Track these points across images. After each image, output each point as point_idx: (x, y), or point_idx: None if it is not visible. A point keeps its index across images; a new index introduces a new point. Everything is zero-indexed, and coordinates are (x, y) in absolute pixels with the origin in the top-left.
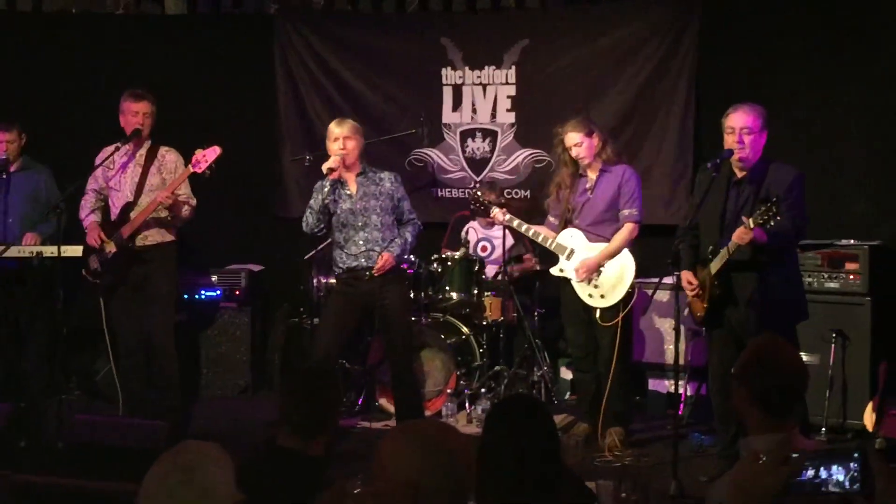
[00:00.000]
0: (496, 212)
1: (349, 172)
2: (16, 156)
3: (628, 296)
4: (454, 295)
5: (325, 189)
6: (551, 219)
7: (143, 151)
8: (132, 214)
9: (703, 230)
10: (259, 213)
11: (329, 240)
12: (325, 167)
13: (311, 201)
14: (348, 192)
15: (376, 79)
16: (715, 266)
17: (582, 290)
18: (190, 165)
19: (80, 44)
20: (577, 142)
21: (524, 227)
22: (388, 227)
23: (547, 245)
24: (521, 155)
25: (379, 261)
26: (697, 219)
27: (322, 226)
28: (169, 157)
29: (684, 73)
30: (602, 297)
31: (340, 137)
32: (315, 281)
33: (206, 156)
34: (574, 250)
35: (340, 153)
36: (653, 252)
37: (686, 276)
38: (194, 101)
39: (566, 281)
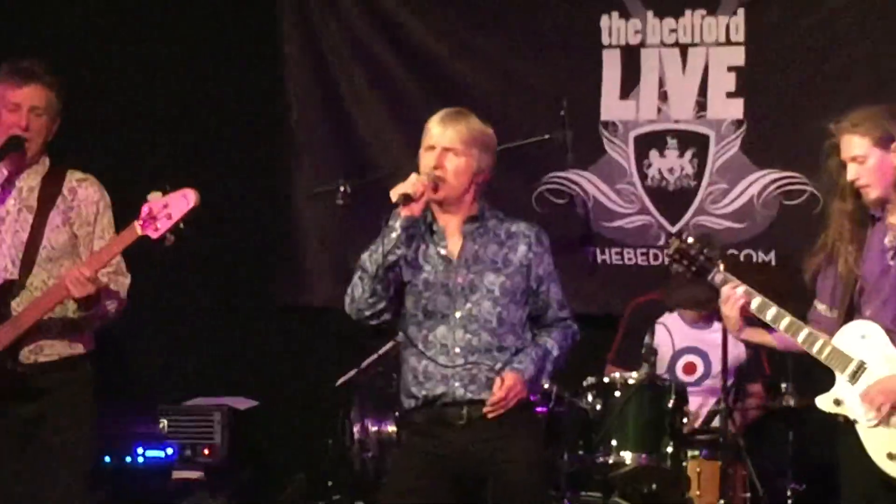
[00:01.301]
0: (722, 280)
1: (451, 214)
2: None
3: None
4: (628, 456)
5: (395, 234)
6: (819, 307)
7: (32, 179)
8: (14, 306)
9: None
10: (250, 300)
11: (390, 345)
12: (393, 192)
13: (364, 255)
14: (443, 251)
15: (474, 38)
16: None
17: (877, 445)
18: (137, 224)
19: None
20: (857, 153)
21: (773, 311)
22: (511, 327)
23: (813, 351)
24: (757, 182)
25: (497, 387)
26: None
27: (384, 305)
28: (85, 192)
29: None
30: None
31: (439, 148)
32: (359, 429)
33: (171, 206)
34: (866, 364)
35: (433, 173)
36: None
37: None
38: (139, 91)
39: (848, 425)
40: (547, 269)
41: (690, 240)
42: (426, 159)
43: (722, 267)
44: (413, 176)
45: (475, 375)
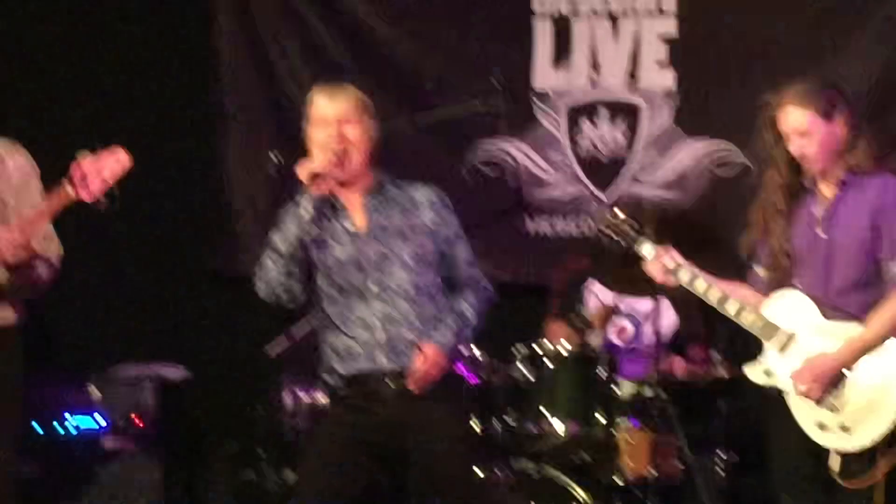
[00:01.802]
0: (653, 254)
1: (349, 189)
2: None
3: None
4: (560, 426)
5: (304, 215)
6: (757, 270)
7: None
8: None
9: None
10: (182, 268)
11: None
12: (301, 172)
13: (274, 236)
14: (349, 227)
15: (406, 9)
16: None
17: (806, 415)
18: (67, 185)
19: None
20: (802, 126)
21: (703, 285)
22: (429, 292)
23: (744, 323)
24: (690, 152)
25: (417, 361)
26: None
27: (297, 287)
28: (13, 161)
29: None
30: (846, 430)
31: (334, 121)
32: (289, 399)
33: (102, 168)
34: (795, 336)
35: (339, 150)
36: None
37: None
38: (66, 57)
39: (777, 397)
40: (454, 231)
41: (620, 214)
42: (321, 134)
43: (647, 239)
44: (317, 153)
45: (397, 346)
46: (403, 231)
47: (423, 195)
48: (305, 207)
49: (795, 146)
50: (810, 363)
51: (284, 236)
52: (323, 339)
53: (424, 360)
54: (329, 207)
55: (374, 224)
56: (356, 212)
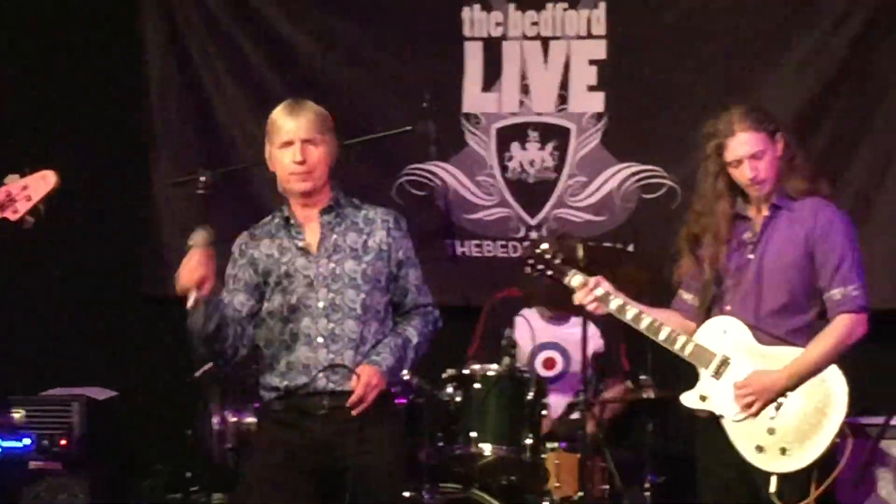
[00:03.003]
0: (579, 283)
1: (308, 205)
2: None
3: (831, 453)
4: (488, 448)
5: (200, 318)
6: (685, 296)
7: None
8: None
9: None
10: (112, 290)
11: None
12: (180, 290)
13: (189, 322)
14: (301, 244)
15: (337, 31)
16: None
17: (744, 438)
18: None
19: None
20: (756, 149)
21: (633, 312)
22: (375, 314)
23: (675, 349)
24: (617, 176)
25: (358, 381)
26: None
27: (232, 350)
28: None
29: None
30: (783, 452)
31: (297, 140)
32: (218, 420)
33: (30, 188)
34: (729, 359)
35: (299, 170)
36: (875, 364)
37: None
38: None
39: (712, 420)
40: (406, 254)
41: (544, 246)
42: (285, 156)
43: (576, 270)
44: (185, 263)
45: (338, 369)
46: (356, 250)
47: (378, 216)
48: (195, 314)
49: (747, 170)
50: (754, 377)
51: (193, 325)
52: (265, 355)
53: (361, 382)
54: (284, 225)
55: (327, 242)
56: (311, 229)
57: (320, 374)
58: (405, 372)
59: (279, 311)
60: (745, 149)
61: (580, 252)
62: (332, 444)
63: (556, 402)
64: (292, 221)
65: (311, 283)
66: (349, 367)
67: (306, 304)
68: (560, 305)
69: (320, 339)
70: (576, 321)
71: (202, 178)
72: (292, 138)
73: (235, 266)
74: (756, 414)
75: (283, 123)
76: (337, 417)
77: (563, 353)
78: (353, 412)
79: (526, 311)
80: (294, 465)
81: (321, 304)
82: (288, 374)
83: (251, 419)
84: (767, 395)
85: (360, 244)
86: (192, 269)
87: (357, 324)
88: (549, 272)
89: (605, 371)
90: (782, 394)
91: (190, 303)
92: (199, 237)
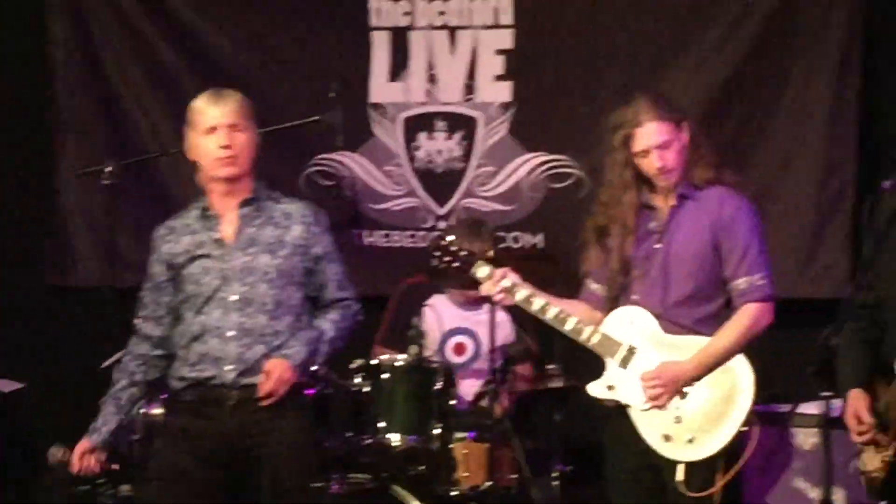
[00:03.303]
0: (485, 274)
1: (228, 196)
2: None
3: (737, 441)
4: (396, 438)
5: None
6: (592, 286)
7: None
8: None
9: (892, 309)
10: (17, 280)
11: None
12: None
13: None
14: (217, 236)
15: (244, 20)
16: None
17: (651, 427)
18: None
19: None
20: (660, 140)
21: (540, 303)
22: (289, 309)
23: (581, 339)
24: (525, 165)
25: (267, 374)
26: (878, 287)
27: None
28: None
29: (836, 19)
30: (690, 441)
31: (222, 126)
32: None
33: None
34: (636, 349)
35: (225, 155)
36: (781, 353)
37: (854, 401)
38: None
39: (619, 410)
40: (325, 249)
41: (449, 237)
42: (209, 142)
43: (486, 260)
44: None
45: (247, 359)
46: (272, 245)
47: (296, 210)
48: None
49: (655, 160)
50: (662, 368)
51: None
52: (177, 344)
53: (271, 377)
54: (202, 216)
55: (244, 235)
56: (228, 221)
57: (230, 366)
58: (319, 363)
59: (192, 303)
60: (653, 138)
61: (490, 241)
62: (241, 433)
63: (469, 388)
64: (209, 213)
65: (225, 275)
66: (267, 356)
67: (219, 296)
68: (473, 287)
69: (231, 333)
70: (485, 307)
71: (108, 169)
72: (218, 124)
73: (151, 264)
74: (663, 405)
75: (207, 110)
76: (246, 407)
77: (474, 337)
78: (262, 403)
79: (435, 298)
80: (202, 454)
81: (234, 298)
82: (198, 365)
83: (158, 410)
84: (675, 385)
85: (276, 239)
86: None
87: (269, 318)
88: (456, 263)
89: (514, 357)
90: (690, 384)
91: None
92: (53, 458)
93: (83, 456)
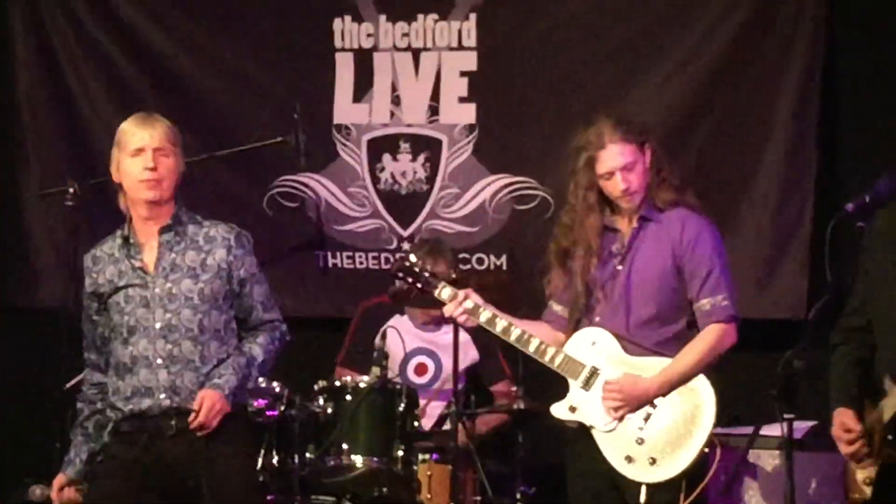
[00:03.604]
0: (448, 295)
1: (149, 222)
2: None
3: (700, 463)
4: (359, 460)
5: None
6: (556, 308)
7: None
8: None
9: (879, 331)
10: None
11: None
12: None
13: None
14: (138, 264)
15: (207, 42)
16: (893, 407)
17: (614, 449)
18: None
19: None
20: (624, 162)
21: (503, 324)
22: (216, 332)
23: (545, 360)
24: (489, 187)
25: (199, 406)
26: (867, 310)
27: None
28: None
29: (799, 43)
30: (653, 462)
31: (149, 149)
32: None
33: None
34: (598, 370)
35: (149, 177)
36: (741, 374)
37: (840, 415)
38: None
39: (582, 431)
40: (249, 271)
41: (413, 258)
42: (135, 164)
43: (448, 281)
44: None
45: (179, 386)
46: (194, 269)
47: (219, 233)
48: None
49: (619, 182)
50: (626, 382)
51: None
52: (112, 382)
53: (203, 408)
54: (124, 245)
55: (165, 262)
56: (149, 248)
57: (162, 395)
58: (273, 383)
59: (119, 333)
60: (617, 160)
61: (450, 262)
62: (182, 462)
63: (431, 410)
64: (131, 241)
65: (148, 303)
66: (197, 382)
67: (144, 325)
68: (434, 303)
69: (159, 361)
70: (447, 328)
71: (71, 189)
72: (145, 146)
73: (83, 295)
74: (622, 418)
75: (135, 131)
76: (184, 437)
77: (435, 358)
78: (197, 430)
79: (396, 319)
80: (143, 485)
81: (158, 325)
82: (132, 398)
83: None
84: (636, 401)
85: (199, 263)
86: None
87: (195, 344)
88: (419, 284)
89: (486, 378)
90: (650, 401)
91: None
92: (33, 496)
93: (62, 490)
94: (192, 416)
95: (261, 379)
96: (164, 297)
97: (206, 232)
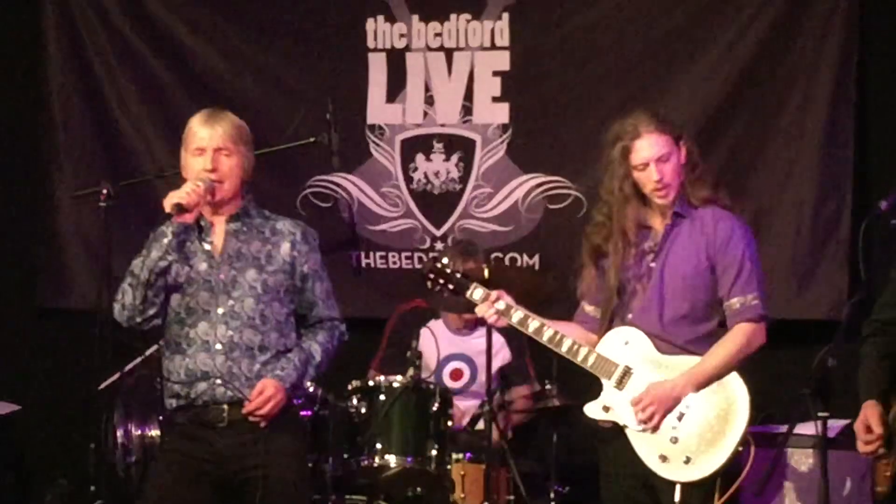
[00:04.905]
0: (480, 296)
1: (217, 212)
2: None
3: (734, 462)
4: (393, 459)
5: (166, 240)
6: (587, 308)
7: None
8: None
9: None
10: (11, 302)
11: (154, 348)
12: (169, 202)
13: (135, 262)
14: (207, 247)
15: (240, 42)
16: None
17: (648, 448)
18: None
19: None
20: (662, 152)
21: (535, 325)
22: (276, 324)
23: (578, 360)
24: (522, 186)
25: (257, 394)
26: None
27: (155, 310)
28: None
29: (832, 40)
30: (687, 461)
31: (209, 149)
32: (122, 434)
33: None
34: (631, 370)
35: (208, 178)
36: (777, 373)
37: (867, 410)
38: None
39: (616, 431)
40: (312, 268)
41: (445, 260)
42: (196, 163)
43: (481, 282)
44: (188, 184)
45: (236, 374)
46: (258, 259)
47: (285, 227)
48: (165, 233)
49: (654, 173)
50: (651, 389)
51: (144, 263)
52: (167, 359)
53: (261, 395)
54: (195, 230)
55: (231, 248)
56: (217, 234)
57: (219, 383)
58: (308, 384)
59: (177, 312)
60: (652, 150)
61: (483, 263)
62: (234, 456)
63: (465, 413)
64: (202, 223)
65: (212, 288)
66: (254, 371)
67: (205, 308)
68: (469, 308)
69: (219, 346)
70: (481, 331)
71: (104, 191)
72: (205, 146)
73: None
74: (657, 426)
75: (197, 130)
76: (238, 429)
77: (470, 363)
78: (251, 419)
79: (432, 323)
80: (197, 477)
81: (220, 311)
82: (187, 381)
83: (155, 431)
84: (666, 404)
85: (265, 254)
86: (193, 193)
87: (255, 333)
88: (451, 286)
89: (511, 381)
90: (680, 401)
91: (174, 220)
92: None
93: None
94: (250, 401)
95: None
96: (228, 284)
97: (273, 225)
